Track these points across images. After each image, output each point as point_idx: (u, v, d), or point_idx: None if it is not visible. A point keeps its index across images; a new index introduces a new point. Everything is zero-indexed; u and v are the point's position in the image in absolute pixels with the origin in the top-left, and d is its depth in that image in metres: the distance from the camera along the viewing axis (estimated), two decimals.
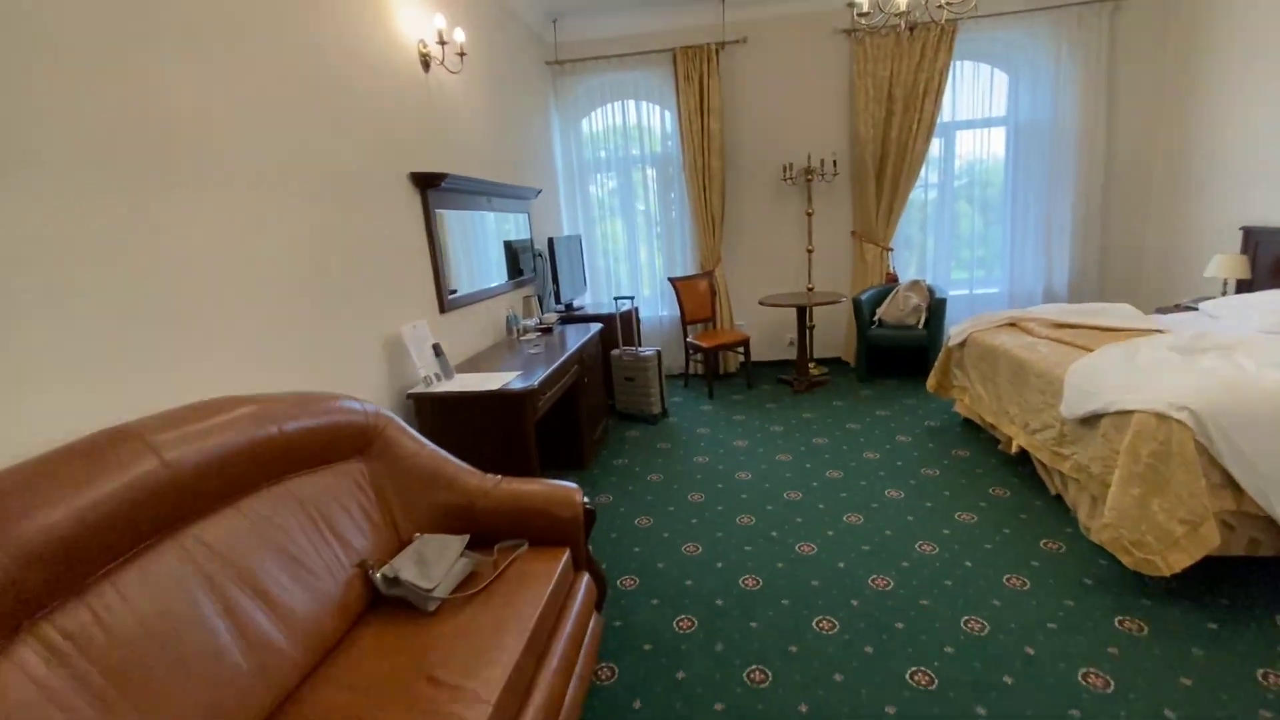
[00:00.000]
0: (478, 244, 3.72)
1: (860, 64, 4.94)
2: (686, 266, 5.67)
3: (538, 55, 5.19)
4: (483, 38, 3.98)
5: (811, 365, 5.41)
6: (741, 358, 5.25)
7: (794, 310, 5.22)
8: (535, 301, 4.11)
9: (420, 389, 2.69)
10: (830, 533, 2.83)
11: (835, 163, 5.20)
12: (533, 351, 3.36)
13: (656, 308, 5.74)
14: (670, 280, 5.22)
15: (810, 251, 5.34)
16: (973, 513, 2.89)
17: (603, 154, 5.58)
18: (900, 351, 5.08)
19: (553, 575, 1.87)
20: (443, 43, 3.08)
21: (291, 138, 2.19)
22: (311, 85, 2.30)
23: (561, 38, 5.38)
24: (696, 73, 5.09)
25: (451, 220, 3.32)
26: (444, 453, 2.24)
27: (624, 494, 3.39)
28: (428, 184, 3.02)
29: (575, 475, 3.68)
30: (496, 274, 4.06)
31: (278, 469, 1.74)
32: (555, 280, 4.57)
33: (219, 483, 1.54)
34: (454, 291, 3.30)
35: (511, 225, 4.37)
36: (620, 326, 4.52)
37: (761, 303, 4.89)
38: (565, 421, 3.68)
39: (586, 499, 2.14)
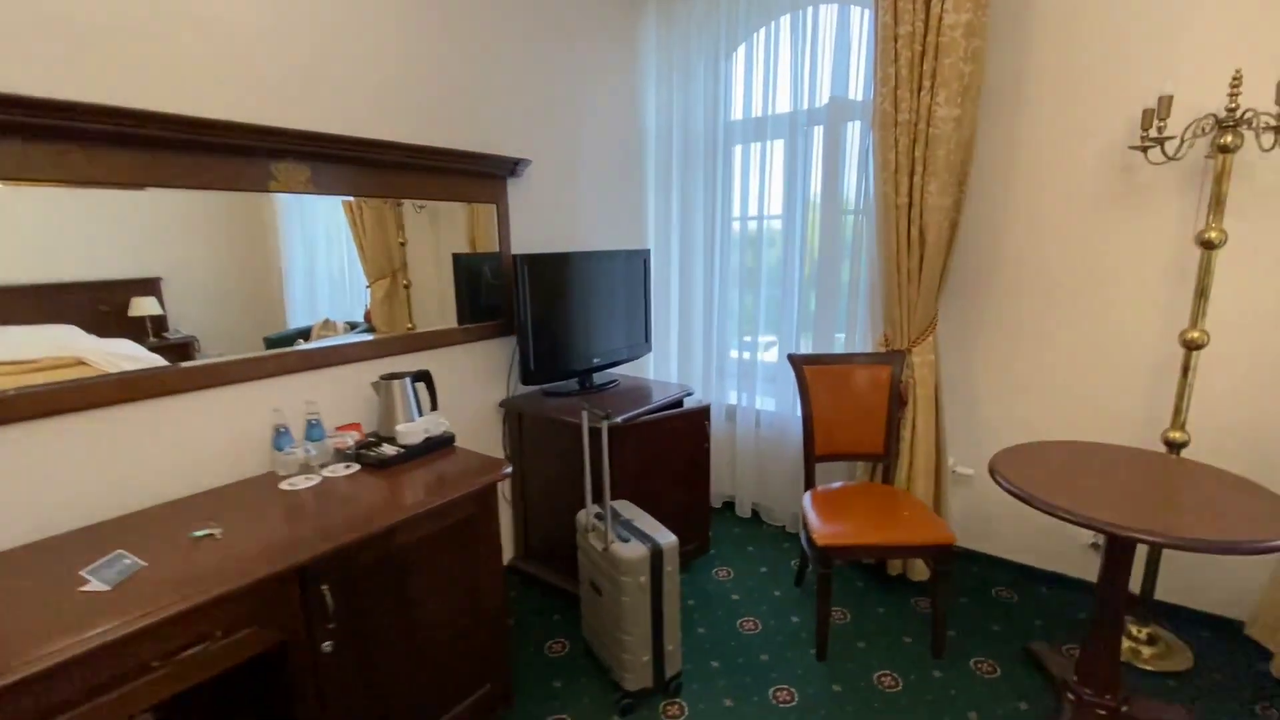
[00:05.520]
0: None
1: None
2: (855, 335, 2.77)
3: None
4: None
5: (1135, 632, 2.08)
6: (931, 569, 2.20)
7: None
8: (405, 391, 1.91)
9: None
10: None
11: None
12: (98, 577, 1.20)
13: (789, 399, 2.95)
14: (793, 362, 2.45)
15: (1194, 346, 1.97)
16: None
17: (726, 112, 2.99)
18: None
19: None
20: None
21: None
22: None
23: None
24: None
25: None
26: None
27: None
28: None
29: None
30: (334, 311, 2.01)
31: None
32: (525, 336, 2.30)
33: None
34: None
35: (455, 226, 2.24)
36: (595, 457, 2.01)
37: (1001, 480, 1.81)
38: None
39: None
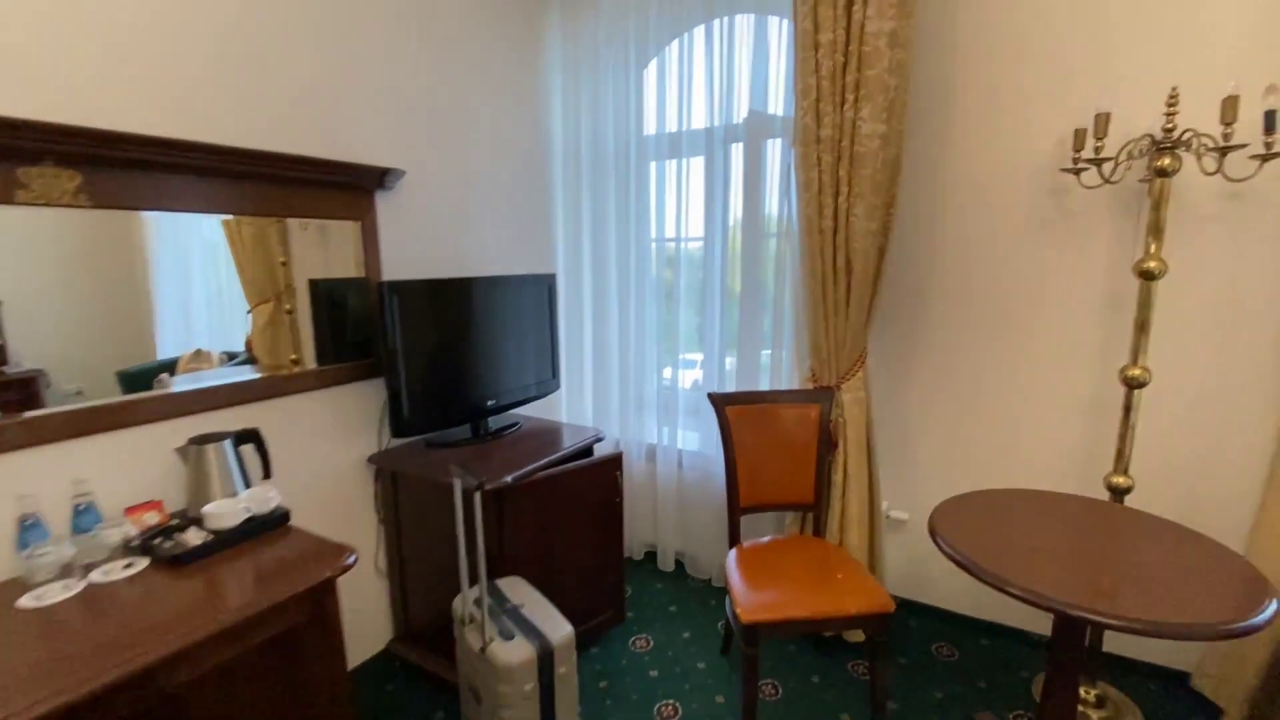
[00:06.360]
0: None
1: None
2: (780, 371, 2.54)
3: None
4: None
5: (1084, 693, 1.89)
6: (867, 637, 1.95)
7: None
8: (224, 457, 1.50)
9: None
10: None
11: None
12: None
13: (713, 436, 2.69)
14: (715, 401, 2.18)
15: (1136, 385, 1.82)
16: None
17: (638, 126, 2.72)
18: None
19: None
20: None
21: None
22: None
23: None
24: None
25: None
26: None
27: None
28: None
29: None
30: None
31: None
32: (396, 378, 1.92)
33: None
34: None
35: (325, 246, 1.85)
36: (473, 529, 1.65)
37: (944, 546, 1.60)
38: None
39: None
